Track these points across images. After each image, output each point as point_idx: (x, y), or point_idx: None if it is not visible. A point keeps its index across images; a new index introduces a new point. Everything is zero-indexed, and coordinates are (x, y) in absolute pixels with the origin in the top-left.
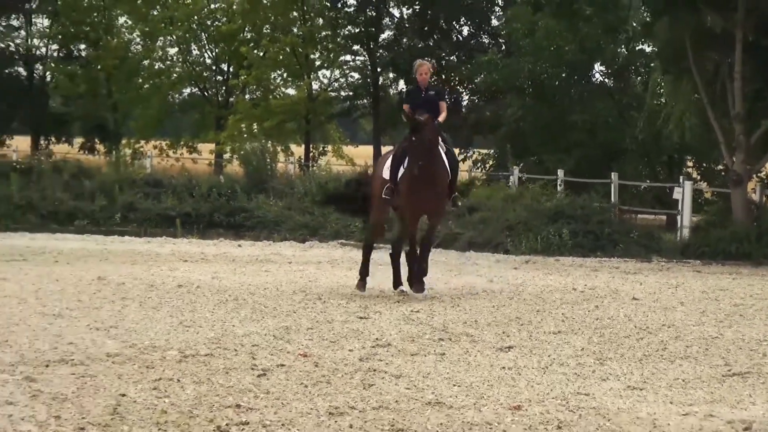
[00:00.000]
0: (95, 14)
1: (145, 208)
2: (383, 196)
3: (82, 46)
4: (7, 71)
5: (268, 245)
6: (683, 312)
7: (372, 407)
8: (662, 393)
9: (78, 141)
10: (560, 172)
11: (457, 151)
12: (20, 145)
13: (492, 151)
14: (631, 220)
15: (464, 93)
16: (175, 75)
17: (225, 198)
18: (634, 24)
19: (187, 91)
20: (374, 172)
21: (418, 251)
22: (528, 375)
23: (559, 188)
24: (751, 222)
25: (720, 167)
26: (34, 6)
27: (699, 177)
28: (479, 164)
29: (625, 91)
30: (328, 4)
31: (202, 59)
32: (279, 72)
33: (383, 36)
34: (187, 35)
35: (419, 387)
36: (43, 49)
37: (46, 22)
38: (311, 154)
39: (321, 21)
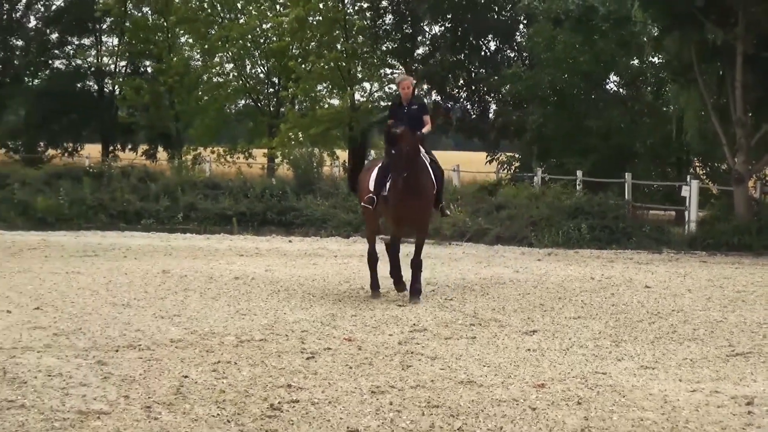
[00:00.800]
0: (159, 34)
1: (204, 208)
2: (362, 204)
3: (147, 63)
4: (79, 86)
5: (316, 241)
6: (691, 298)
7: (410, 386)
8: (672, 371)
9: (143, 148)
10: (579, 173)
11: (484, 155)
12: (91, 152)
13: (517, 154)
14: (643, 215)
15: (492, 102)
16: (231, 88)
17: (276, 198)
18: (645, 39)
19: (242, 102)
20: (360, 183)
21: (411, 274)
22: (551, 356)
23: (578, 187)
24: (752, 216)
25: (723, 167)
26: (104, 27)
27: (705, 176)
28: (506, 166)
29: (637, 100)
30: (368, 23)
31: (255, 73)
32: (324, 84)
33: (418, 51)
34: (242, 52)
35: (452, 368)
36: (112, 66)
37: (115, 41)
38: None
39: (362, 38)
